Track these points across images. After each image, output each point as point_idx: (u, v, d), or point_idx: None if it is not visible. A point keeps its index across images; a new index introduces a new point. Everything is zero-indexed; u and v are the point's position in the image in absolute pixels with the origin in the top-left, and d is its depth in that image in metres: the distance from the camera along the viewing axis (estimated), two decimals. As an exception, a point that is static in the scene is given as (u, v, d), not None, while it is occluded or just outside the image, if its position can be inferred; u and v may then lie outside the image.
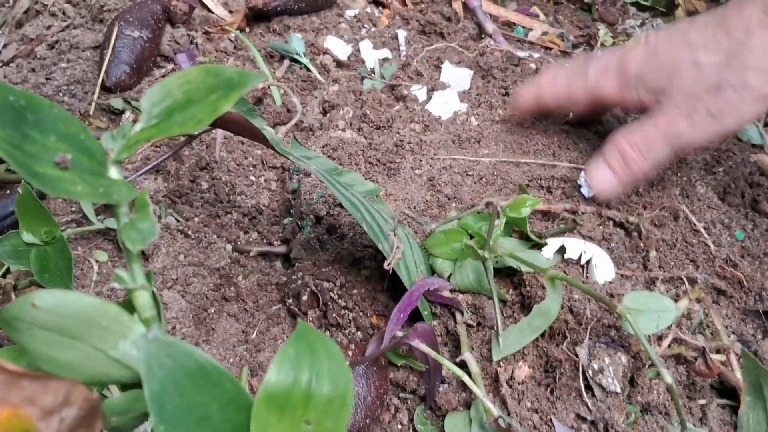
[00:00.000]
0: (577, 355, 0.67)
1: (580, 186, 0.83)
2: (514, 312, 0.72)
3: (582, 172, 0.83)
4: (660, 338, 0.69)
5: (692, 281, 0.75)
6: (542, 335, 0.69)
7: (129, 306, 0.36)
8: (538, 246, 0.74)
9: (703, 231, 0.80)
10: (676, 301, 0.72)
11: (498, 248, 0.71)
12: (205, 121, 0.34)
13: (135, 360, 0.34)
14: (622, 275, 0.75)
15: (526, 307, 0.72)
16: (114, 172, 0.34)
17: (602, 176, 0.80)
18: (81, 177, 0.32)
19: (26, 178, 0.30)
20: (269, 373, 0.33)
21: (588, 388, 0.67)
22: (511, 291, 0.74)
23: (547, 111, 0.91)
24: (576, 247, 0.73)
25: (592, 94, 0.83)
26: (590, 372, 0.66)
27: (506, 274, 0.75)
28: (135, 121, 0.96)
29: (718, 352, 0.71)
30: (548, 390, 0.68)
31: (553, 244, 0.73)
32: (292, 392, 0.33)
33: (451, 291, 0.73)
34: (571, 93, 0.85)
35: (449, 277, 0.74)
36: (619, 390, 0.65)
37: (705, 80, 0.72)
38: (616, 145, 0.79)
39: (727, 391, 0.70)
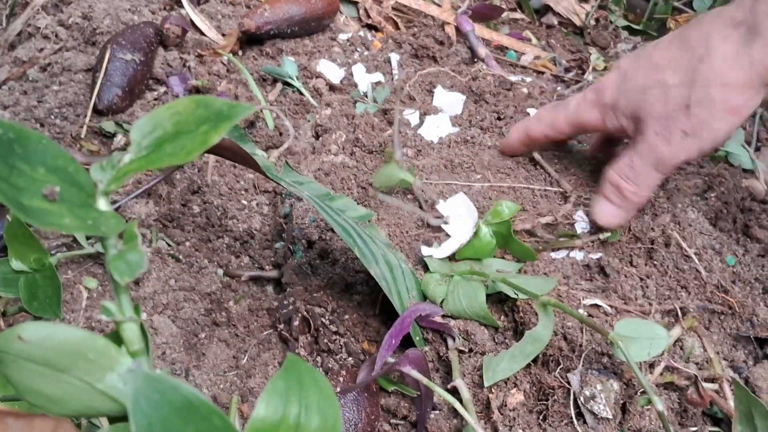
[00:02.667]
0: (568, 383, 0.67)
1: (574, 222, 0.84)
2: (506, 339, 0.72)
3: (579, 212, 0.84)
4: (652, 366, 0.69)
5: (685, 311, 0.75)
6: (535, 362, 0.69)
7: (117, 338, 0.35)
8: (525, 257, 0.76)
9: (694, 257, 0.80)
10: (669, 329, 0.72)
11: (488, 271, 0.71)
12: (195, 152, 0.34)
13: (122, 393, 0.33)
14: (615, 306, 0.75)
15: (518, 334, 0.72)
16: (102, 204, 0.34)
17: (606, 212, 0.81)
18: (69, 209, 0.32)
19: (14, 211, 0.30)
20: (257, 407, 0.33)
21: (580, 415, 0.66)
22: (503, 318, 0.74)
23: (536, 144, 0.92)
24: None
25: (574, 123, 0.85)
26: (582, 399, 0.66)
27: (498, 299, 0.75)
28: (126, 145, 0.97)
29: (711, 380, 0.70)
30: (540, 417, 0.68)
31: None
32: (281, 427, 0.32)
33: (443, 317, 0.73)
34: (555, 124, 0.86)
35: (442, 302, 0.74)
36: (610, 416, 0.65)
37: (674, 101, 0.73)
38: (609, 180, 0.80)
39: (718, 418, 0.70)
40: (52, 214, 0.31)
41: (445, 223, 0.80)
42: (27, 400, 0.34)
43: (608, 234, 0.81)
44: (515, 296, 0.71)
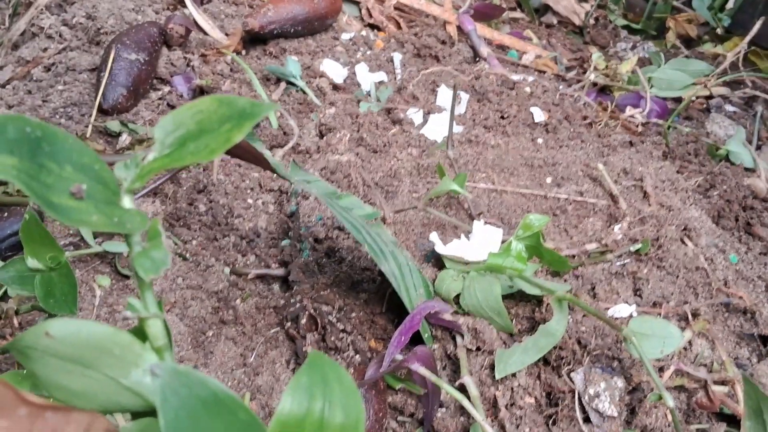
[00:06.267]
0: (573, 381, 0.68)
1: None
2: (514, 339, 0.73)
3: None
4: (662, 369, 0.69)
5: (695, 313, 0.75)
6: (546, 363, 0.69)
7: (139, 334, 0.36)
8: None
9: (701, 257, 0.80)
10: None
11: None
12: (218, 151, 0.35)
13: (147, 388, 0.34)
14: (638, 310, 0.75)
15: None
16: (127, 202, 0.35)
17: None
18: (96, 207, 0.33)
19: (43, 209, 0.30)
20: (283, 402, 0.33)
21: (587, 420, 0.67)
22: (515, 322, 0.74)
23: None
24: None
25: None
26: (586, 398, 0.66)
27: (513, 303, 0.75)
28: (132, 144, 0.97)
29: (722, 383, 0.70)
30: (546, 415, 0.68)
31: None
32: (306, 421, 0.33)
33: (453, 314, 0.74)
34: None
35: (458, 297, 0.74)
36: (615, 414, 0.66)
37: None
38: None
39: (727, 415, 0.70)
40: (80, 212, 0.32)
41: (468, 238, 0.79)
42: (52, 395, 0.35)
43: (639, 246, 0.81)
44: (531, 292, 0.71)
